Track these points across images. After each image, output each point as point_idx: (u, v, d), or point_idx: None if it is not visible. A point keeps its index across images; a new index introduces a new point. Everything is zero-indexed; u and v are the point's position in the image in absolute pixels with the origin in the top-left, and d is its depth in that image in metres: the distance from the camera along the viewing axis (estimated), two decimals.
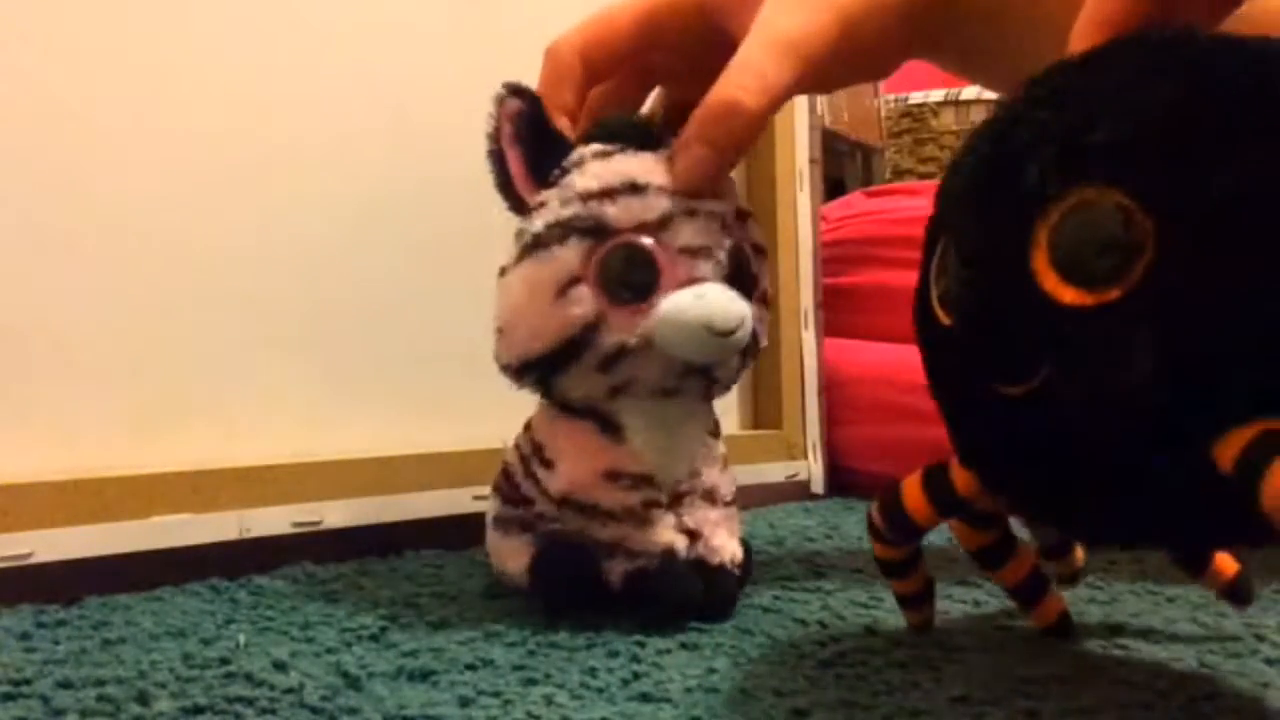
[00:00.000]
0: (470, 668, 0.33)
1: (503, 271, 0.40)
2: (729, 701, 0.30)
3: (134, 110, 0.48)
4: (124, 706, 0.29)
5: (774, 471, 0.77)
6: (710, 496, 0.42)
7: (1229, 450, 0.22)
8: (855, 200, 1.05)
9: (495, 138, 0.40)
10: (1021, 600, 0.38)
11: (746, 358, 0.42)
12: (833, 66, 0.40)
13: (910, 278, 0.31)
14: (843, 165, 2.10)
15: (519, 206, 0.40)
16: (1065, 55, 0.27)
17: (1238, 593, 0.37)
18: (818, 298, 0.83)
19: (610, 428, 0.40)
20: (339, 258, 0.55)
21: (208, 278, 0.50)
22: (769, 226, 0.79)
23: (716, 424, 0.44)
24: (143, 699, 0.29)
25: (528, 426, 0.44)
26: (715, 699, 0.31)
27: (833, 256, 0.90)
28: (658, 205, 0.38)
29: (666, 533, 0.40)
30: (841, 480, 0.81)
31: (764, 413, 0.80)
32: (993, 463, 0.29)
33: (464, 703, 0.30)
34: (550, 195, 0.39)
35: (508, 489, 0.44)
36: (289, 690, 0.30)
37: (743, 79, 0.38)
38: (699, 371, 0.40)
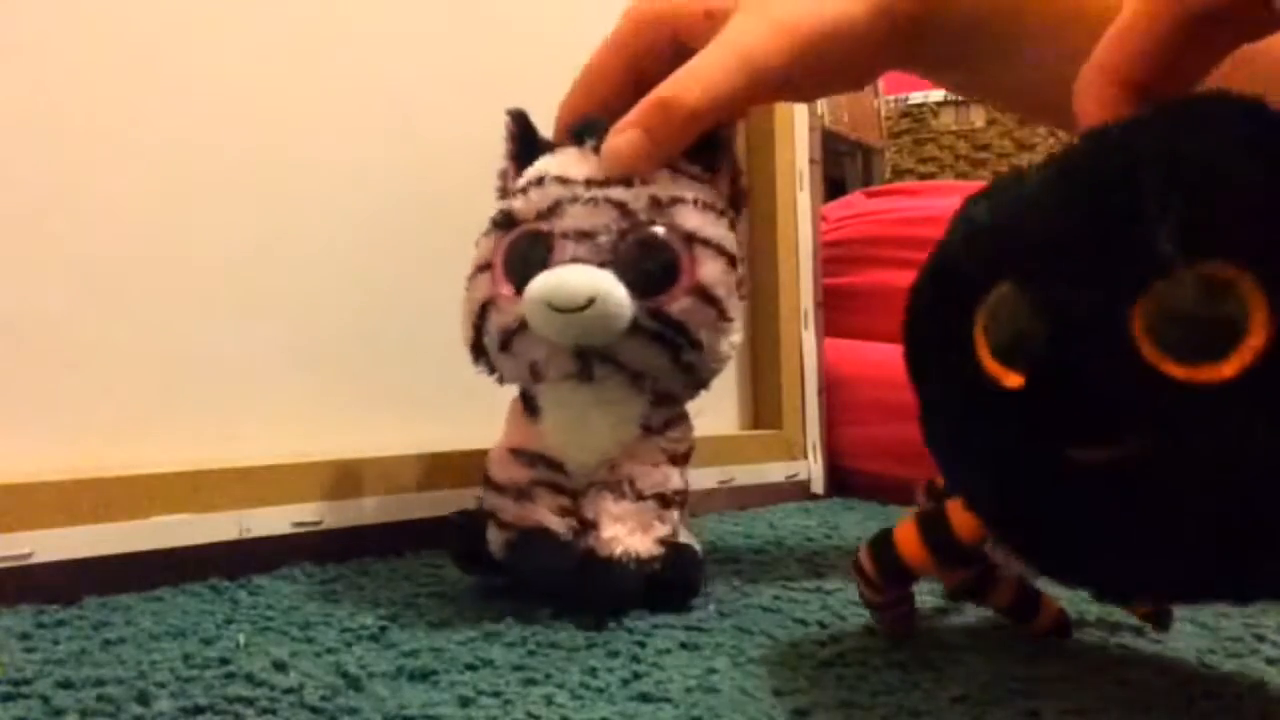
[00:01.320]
0: (470, 668, 0.33)
1: None
2: (729, 701, 0.30)
3: (136, 113, 0.48)
4: (124, 706, 0.29)
5: (774, 471, 0.76)
6: (618, 489, 0.41)
7: None
8: (855, 200, 1.05)
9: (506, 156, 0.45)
10: (1017, 618, 0.38)
11: (680, 352, 0.39)
12: (798, 80, 0.42)
13: (910, 277, 0.30)
14: (843, 165, 2.11)
15: None
16: (1072, 97, 0.27)
17: (1160, 618, 0.37)
18: (818, 298, 0.83)
19: (532, 408, 0.43)
20: (340, 258, 0.55)
21: (208, 278, 0.50)
22: (769, 226, 0.79)
23: (670, 420, 0.43)
24: (143, 699, 0.29)
25: None
26: (715, 699, 0.31)
27: (833, 256, 0.90)
28: (551, 193, 0.40)
29: (540, 511, 0.41)
30: (841, 480, 0.81)
31: (764, 412, 0.80)
32: (1046, 530, 0.27)
33: (464, 703, 0.30)
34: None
35: None
36: (289, 690, 0.30)
37: (687, 81, 0.40)
38: (601, 358, 0.39)
